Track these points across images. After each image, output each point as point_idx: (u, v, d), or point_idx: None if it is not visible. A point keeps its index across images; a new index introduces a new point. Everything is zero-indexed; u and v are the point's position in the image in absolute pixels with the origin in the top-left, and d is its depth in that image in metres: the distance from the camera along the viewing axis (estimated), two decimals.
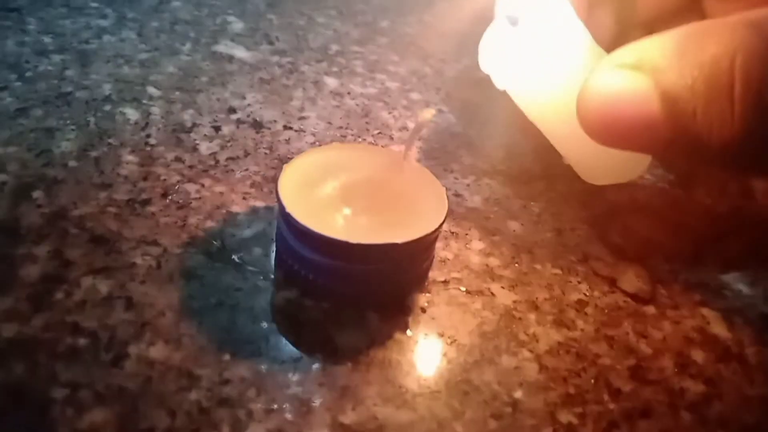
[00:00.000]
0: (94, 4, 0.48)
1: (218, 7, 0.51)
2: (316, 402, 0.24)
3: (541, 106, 0.30)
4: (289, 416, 0.23)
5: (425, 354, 0.27)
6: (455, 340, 0.27)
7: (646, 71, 0.24)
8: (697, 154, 0.25)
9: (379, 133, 0.39)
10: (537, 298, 0.30)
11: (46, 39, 0.43)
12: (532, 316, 0.29)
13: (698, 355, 0.29)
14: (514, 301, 0.30)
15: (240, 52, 0.45)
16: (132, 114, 0.37)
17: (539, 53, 0.28)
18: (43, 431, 0.22)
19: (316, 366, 0.25)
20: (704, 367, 0.28)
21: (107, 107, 0.38)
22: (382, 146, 0.38)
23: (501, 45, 0.29)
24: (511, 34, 0.29)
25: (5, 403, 0.22)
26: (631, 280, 0.32)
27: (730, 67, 0.22)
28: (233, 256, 0.29)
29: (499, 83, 0.30)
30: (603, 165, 0.32)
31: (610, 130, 0.26)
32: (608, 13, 0.34)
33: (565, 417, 0.25)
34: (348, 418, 0.24)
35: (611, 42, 0.35)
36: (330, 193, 0.29)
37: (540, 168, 0.38)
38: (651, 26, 0.35)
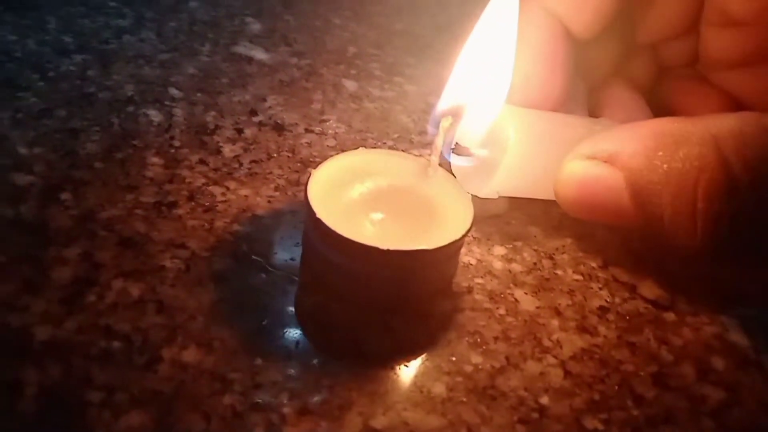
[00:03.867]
0: (113, 3, 0.48)
1: (235, 7, 0.51)
2: (348, 406, 0.24)
3: (521, 192, 0.32)
4: (321, 420, 0.24)
5: (452, 359, 0.27)
6: (481, 346, 0.28)
7: (617, 167, 0.27)
8: (665, 246, 0.28)
9: (399, 137, 0.40)
10: (560, 304, 0.30)
11: (67, 38, 0.43)
12: (556, 322, 0.29)
13: (718, 362, 0.29)
14: (537, 307, 0.30)
15: (259, 54, 0.45)
16: (155, 115, 0.38)
17: (504, 162, 0.29)
18: None
19: (345, 370, 0.26)
20: (724, 374, 0.29)
21: (130, 108, 0.38)
22: (404, 151, 0.38)
23: (469, 163, 0.31)
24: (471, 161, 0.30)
25: (42, 405, 0.23)
26: (651, 286, 0.32)
27: (694, 185, 0.25)
28: (261, 260, 0.30)
29: (474, 193, 0.30)
30: None
31: (587, 212, 0.29)
32: (610, 38, 0.35)
33: (591, 423, 0.25)
34: (379, 422, 0.24)
35: (616, 67, 0.36)
36: (357, 199, 0.29)
37: None
38: (654, 49, 0.36)
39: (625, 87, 0.36)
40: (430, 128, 0.30)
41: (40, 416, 0.22)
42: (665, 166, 0.26)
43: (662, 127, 0.27)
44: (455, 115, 0.30)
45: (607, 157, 0.27)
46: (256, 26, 0.49)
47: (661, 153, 0.26)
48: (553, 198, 0.30)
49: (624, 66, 0.37)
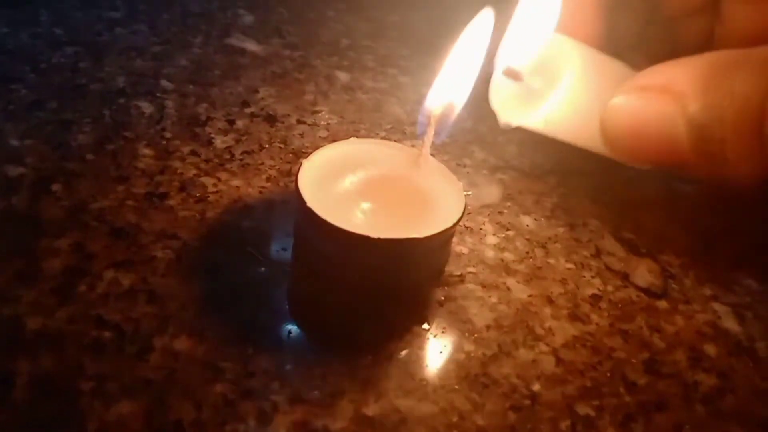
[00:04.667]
0: None
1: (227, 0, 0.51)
2: (339, 394, 0.24)
3: (565, 131, 0.31)
4: (313, 408, 0.24)
5: (444, 347, 0.27)
6: (473, 334, 0.28)
7: (672, 96, 0.25)
8: (720, 177, 0.26)
9: (392, 127, 0.40)
10: (552, 293, 0.30)
11: (59, 31, 0.43)
12: (548, 311, 0.29)
13: (710, 349, 0.29)
14: (530, 296, 0.30)
15: (251, 46, 0.45)
16: (146, 107, 0.38)
17: (557, 96, 0.28)
18: (73, 423, 0.22)
19: (337, 358, 0.26)
20: (716, 360, 0.29)
21: (122, 100, 0.38)
22: (396, 141, 0.38)
23: (512, 91, 0.30)
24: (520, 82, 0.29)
25: (34, 394, 0.23)
26: (644, 274, 0.32)
27: (761, 105, 0.23)
28: (252, 251, 0.30)
29: (514, 122, 0.30)
30: None
31: (635, 149, 0.26)
32: (629, 11, 0.34)
33: (583, 409, 0.26)
34: (371, 410, 0.24)
35: (633, 40, 0.36)
36: (348, 188, 0.29)
37: (552, 163, 0.39)
38: (671, 24, 0.36)
39: (643, 60, 0.35)
40: (420, 119, 0.30)
41: (32, 406, 0.22)
42: (725, 89, 0.24)
43: (717, 56, 0.25)
44: (445, 108, 0.29)
45: (660, 87, 0.26)
46: (248, 18, 0.49)
47: (719, 78, 0.24)
48: (595, 147, 0.29)
49: (639, 42, 0.36)
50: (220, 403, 0.23)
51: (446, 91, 0.29)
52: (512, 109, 0.29)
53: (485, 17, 0.29)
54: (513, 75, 0.29)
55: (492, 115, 0.42)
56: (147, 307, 0.26)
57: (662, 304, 0.31)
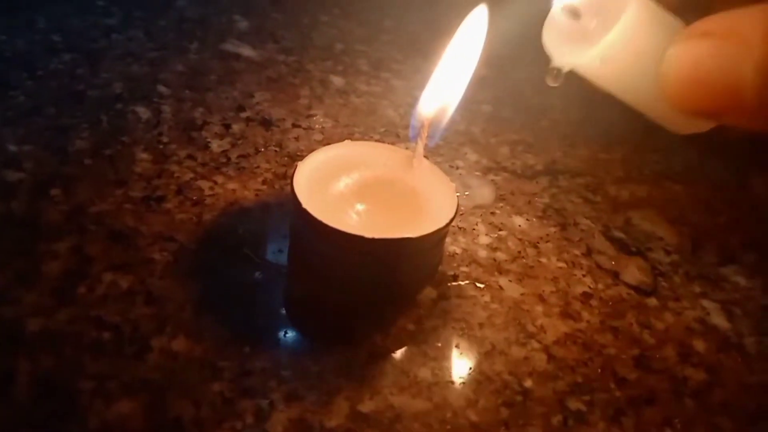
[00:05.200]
0: (101, 3, 0.49)
1: (223, 5, 0.51)
2: (335, 392, 0.25)
3: (620, 75, 0.30)
4: (309, 405, 0.24)
5: (438, 345, 0.27)
6: (466, 332, 0.28)
7: (738, 41, 0.24)
8: None
9: (386, 130, 0.40)
10: (543, 291, 0.31)
11: (56, 37, 0.44)
12: (540, 308, 0.30)
13: (699, 345, 0.30)
14: (522, 294, 0.31)
15: (247, 51, 0.46)
16: (143, 112, 0.38)
17: (613, 34, 0.28)
18: (73, 421, 0.23)
19: (333, 357, 0.26)
20: (705, 356, 0.29)
21: (119, 106, 0.38)
22: (390, 144, 0.39)
23: (567, 29, 0.29)
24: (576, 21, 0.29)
25: (36, 394, 0.23)
26: (634, 273, 0.33)
27: None
28: (249, 252, 0.30)
29: (566, 62, 0.29)
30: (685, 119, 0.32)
31: (695, 97, 0.25)
32: None
33: (574, 404, 0.26)
34: (366, 407, 0.24)
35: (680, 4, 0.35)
36: (343, 190, 0.29)
37: (543, 164, 0.39)
38: None
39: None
40: (412, 122, 0.30)
41: (34, 404, 0.23)
42: None
43: None
44: (435, 115, 0.30)
45: (725, 31, 0.24)
46: (243, 24, 0.49)
47: None
48: (646, 98, 0.29)
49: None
50: (218, 401, 0.24)
51: (438, 95, 0.29)
52: (567, 50, 0.29)
53: (479, 15, 0.30)
54: (572, 12, 0.28)
55: (484, 117, 0.42)
56: (145, 309, 0.27)
57: (652, 301, 0.32)
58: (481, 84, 0.46)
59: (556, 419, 0.25)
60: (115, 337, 0.25)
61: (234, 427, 0.23)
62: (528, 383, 0.27)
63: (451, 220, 0.28)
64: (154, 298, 0.27)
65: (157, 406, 0.23)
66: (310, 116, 0.40)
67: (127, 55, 0.43)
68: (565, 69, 0.28)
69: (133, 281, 0.28)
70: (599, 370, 0.28)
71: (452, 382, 0.26)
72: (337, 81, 0.44)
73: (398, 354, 0.27)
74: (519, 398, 0.26)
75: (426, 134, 0.29)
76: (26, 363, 0.24)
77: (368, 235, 0.26)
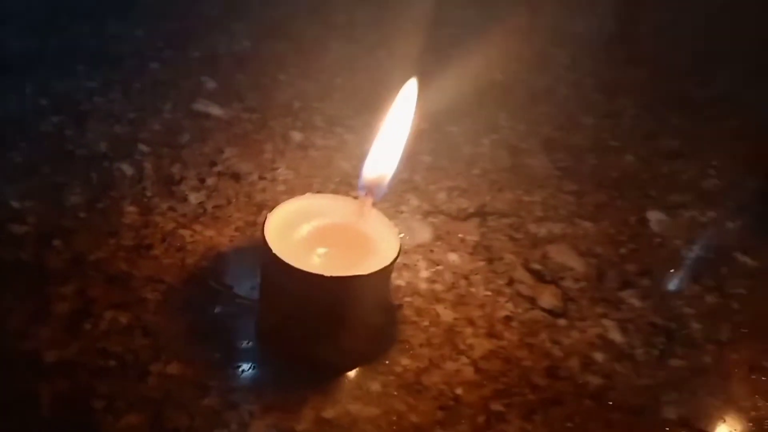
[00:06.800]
0: (81, 67, 0.54)
1: (192, 68, 0.57)
2: (303, 402, 0.31)
3: None
4: (282, 414, 0.30)
5: (386, 363, 0.34)
6: (408, 351, 0.34)
7: None
8: None
9: (340, 180, 0.47)
10: (473, 316, 0.37)
11: (43, 101, 0.49)
12: (469, 330, 0.36)
13: (599, 356, 0.37)
14: (455, 319, 0.37)
15: (215, 110, 0.52)
16: (127, 169, 0.44)
17: None
18: None
19: (300, 375, 0.32)
20: (603, 365, 0.36)
21: (105, 163, 0.44)
22: (345, 195, 0.45)
23: None
24: None
25: (57, 411, 0.28)
26: (548, 298, 0.40)
27: None
28: (226, 290, 0.36)
29: None
30: None
31: None
32: None
33: (496, 407, 0.32)
34: (328, 414, 0.30)
35: None
36: (305, 236, 0.36)
37: (474, 207, 0.46)
38: None
39: None
40: (360, 184, 0.37)
41: (56, 420, 0.28)
42: None
43: None
44: (377, 179, 0.36)
45: None
46: (211, 84, 0.56)
47: None
48: None
49: None
50: (209, 413, 0.29)
51: (378, 164, 0.36)
52: None
53: (410, 88, 0.37)
54: None
55: (424, 167, 0.49)
56: (143, 340, 0.32)
57: (562, 321, 0.38)
58: (420, 137, 0.53)
59: (481, 419, 0.32)
60: (120, 364, 0.31)
61: None
62: (459, 391, 0.33)
63: (394, 260, 0.34)
64: (150, 331, 0.33)
65: (159, 418, 0.29)
66: (273, 169, 0.46)
67: (109, 116, 0.49)
68: None
69: (130, 317, 0.33)
70: (517, 379, 0.34)
71: (397, 392, 0.32)
72: (297, 136, 0.51)
73: (353, 371, 0.33)
74: (451, 403, 0.32)
75: (372, 194, 0.36)
76: (47, 386, 0.29)
77: (327, 273, 0.32)
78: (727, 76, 0.75)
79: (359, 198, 0.36)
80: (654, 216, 0.49)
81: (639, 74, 0.73)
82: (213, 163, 0.46)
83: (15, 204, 0.39)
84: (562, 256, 0.43)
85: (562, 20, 0.83)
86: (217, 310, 0.35)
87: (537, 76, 0.68)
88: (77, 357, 0.31)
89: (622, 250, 0.45)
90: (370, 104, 0.56)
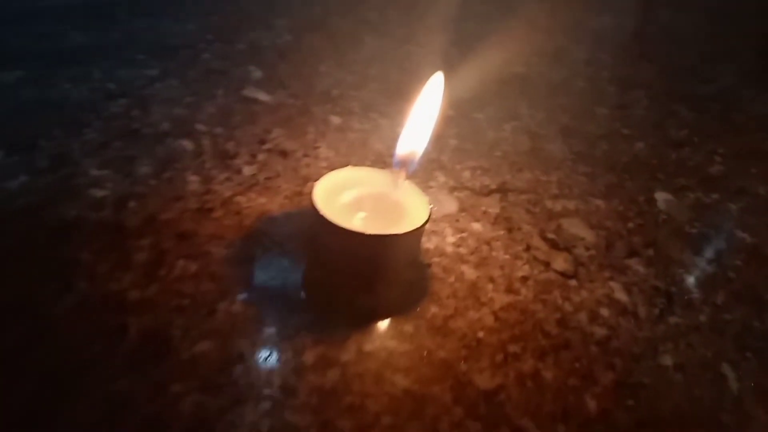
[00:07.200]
0: (141, 57, 0.60)
1: (240, 58, 0.63)
2: (346, 338, 0.36)
3: None
4: (328, 346, 0.35)
5: (417, 309, 0.39)
6: (437, 302, 0.40)
7: None
8: None
9: (375, 159, 0.52)
10: (493, 275, 0.42)
11: (111, 86, 0.55)
12: (490, 286, 0.41)
13: (605, 312, 0.41)
14: (477, 277, 0.42)
15: (262, 96, 0.58)
16: (188, 145, 0.49)
17: None
18: (170, 356, 0.33)
19: (344, 318, 0.37)
20: (608, 319, 0.41)
21: (168, 140, 0.49)
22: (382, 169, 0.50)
23: None
24: None
25: (142, 340, 0.34)
26: (561, 263, 0.45)
27: None
28: (278, 247, 0.41)
29: None
30: None
31: None
32: None
33: (513, 348, 0.37)
34: (368, 348, 0.36)
35: None
36: (348, 202, 0.41)
37: (496, 185, 0.51)
38: None
39: None
40: (394, 162, 0.42)
41: (142, 346, 0.34)
42: None
43: None
44: (409, 155, 0.42)
45: None
46: (257, 73, 0.61)
47: None
48: None
49: None
50: (268, 342, 0.35)
51: (410, 143, 0.41)
52: None
53: (436, 81, 0.42)
54: None
55: (450, 149, 0.54)
56: (210, 284, 0.38)
57: (573, 282, 0.43)
58: (447, 122, 0.58)
59: (500, 357, 0.37)
60: (191, 302, 0.36)
61: (281, 358, 0.34)
62: (480, 334, 0.38)
63: (425, 223, 0.39)
64: (215, 277, 0.38)
65: (226, 346, 0.34)
66: (316, 148, 0.52)
67: (168, 100, 0.54)
68: None
69: (198, 266, 0.39)
70: (531, 327, 0.39)
71: (427, 333, 0.37)
72: (336, 120, 0.56)
73: (390, 316, 0.38)
74: (474, 343, 0.37)
75: (405, 168, 0.41)
76: (133, 319, 0.35)
77: (368, 231, 0.37)
78: (729, 74, 0.80)
79: (394, 171, 0.41)
80: (661, 196, 0.54)
81: (650, 70, 0.77)
82: (262, 142, 0.51)
83: (94, 172, 0.45)
84: (575, 228, 0.48)
85: (581, 18, 0.88)
86: (270, 263, 0.40)
87: (556, 70, 0.73)
88: (156, 296, 0.36)
89: (630, 225, 0.50)
90: (402, 93, 0.62)
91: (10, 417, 0.30)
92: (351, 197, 0.41)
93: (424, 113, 0.42)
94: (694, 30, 0.95)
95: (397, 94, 0.61)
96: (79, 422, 0.30)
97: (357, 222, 0.40)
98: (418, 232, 0.39)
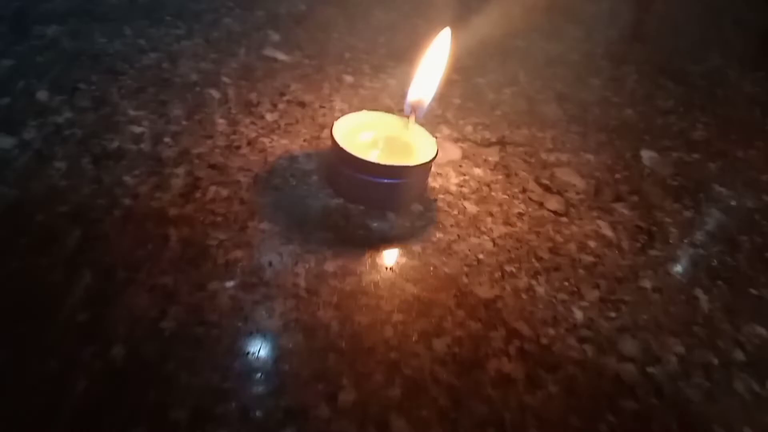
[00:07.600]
0: (169, 18, 0.64)
1: (259, 23, 0.68)
2: (362, 253, 0.40)
3: None
4: (346, 259, 0.40)
5: (425, 235, 0.43)
6: (441, 229, 0.44)
7: None
8: None
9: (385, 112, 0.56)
10: (492, 210, 0.47)
11: (141, 42, 0.59)
12: (489, 219, 0.46)
13: (592, 243, 0.46)
14: (478, 211, 0.47)
15: (281, 56, 0.62)
16: (215, 93, 0.54)
17: None
18: (208, 262, 0.38)
19: (358, 238, 0.42)
20: (595, 249, 0.46)
21: (197, 89, 0.54)
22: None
23: None
24: None
25: (183, 247, 0.38)
26: (553, 203, 0.49)
27: None
28: (299, 180, 0.46)
29: None
30: None
31: None
32: None
33: (509, 268, 0.42)
34: (381, 262, 0.40)
35: None
36: (364, 141, 0.46)
37: (495, 138, 0.56)
38: None
39: None
40: (405, 107, 0.46)
41: (182, 252, 0.38)
42: None
43: None
44: (419, 101, 0.46)
45: None
46: (276, 37, 0.66)
47: None
48: None
49: None
50: (293, 253, 0.39)
51: (419, 90, 0.46)
52: None
53: (444, 35, 0.46)
54: None
55: (454, 105, 0.59)
56: (240, 207, 0.42)
57: (564, 219, 0.48)
58: (451, 85, 0.63)
59: (497, 274, 0.41)
60: (224, 220, 0.41)
61: (304, 267, 0.39)
62: (480, 256, 0.43)
63: (433, 158, 0.44)
64: (245, 201, 0.43)
65: (256, 255, 0.39)
66: (331, 101, 0.56)
67: (195, 56, 0.59)
68: None
69: (229, 192, 0.43)
70: (526, 252, 0.44)
71: (432, 253, 0.42)
72: (348, 78, 0.61)
73: (400, 238, 0.43)
74: (474, 263, 0.42)
75: (415, 113, 0.46)
76: (174, 231, 0.39)
77: (383, 162, 0.42)
78: (718, 57, 0.85)
79: (405, 115, 0.46)
80: (646, 154, 0.59)
81: (643, 50, 0.82)
82: (282, 94, 0.56)
83: (131, 112, 0.49)
84: (567, 176, 0.53)
85: (581, 2, 0.93)
86: (293, 193, 0.44)
87: (553, 45, 0.78)
88: (193, 214, 0.41)
89: (617, 176, 0.55)
90: (409, 58, 0.66)
91: (73, 302, 0.34)
92: (366, 137, 0.46)
93: (433, 63, 0.46)
94: (689, 18, 1.00)
95: (405, 60, 0.66)
96: (129, 307, 0.34)
97: (372, 158, 0.44)
98: (427, 165, 0.44)
